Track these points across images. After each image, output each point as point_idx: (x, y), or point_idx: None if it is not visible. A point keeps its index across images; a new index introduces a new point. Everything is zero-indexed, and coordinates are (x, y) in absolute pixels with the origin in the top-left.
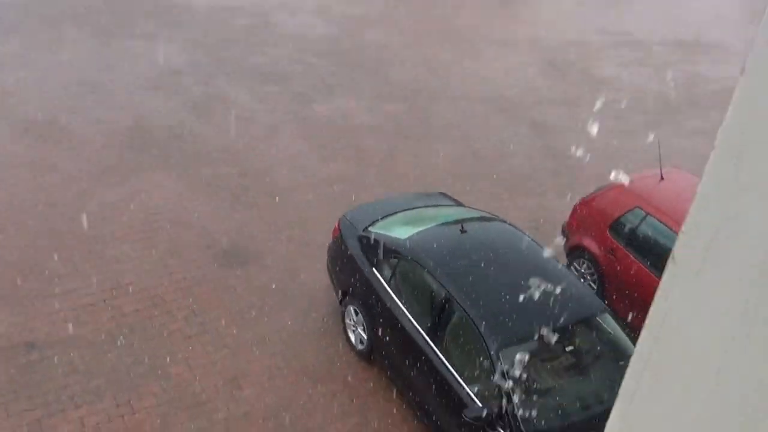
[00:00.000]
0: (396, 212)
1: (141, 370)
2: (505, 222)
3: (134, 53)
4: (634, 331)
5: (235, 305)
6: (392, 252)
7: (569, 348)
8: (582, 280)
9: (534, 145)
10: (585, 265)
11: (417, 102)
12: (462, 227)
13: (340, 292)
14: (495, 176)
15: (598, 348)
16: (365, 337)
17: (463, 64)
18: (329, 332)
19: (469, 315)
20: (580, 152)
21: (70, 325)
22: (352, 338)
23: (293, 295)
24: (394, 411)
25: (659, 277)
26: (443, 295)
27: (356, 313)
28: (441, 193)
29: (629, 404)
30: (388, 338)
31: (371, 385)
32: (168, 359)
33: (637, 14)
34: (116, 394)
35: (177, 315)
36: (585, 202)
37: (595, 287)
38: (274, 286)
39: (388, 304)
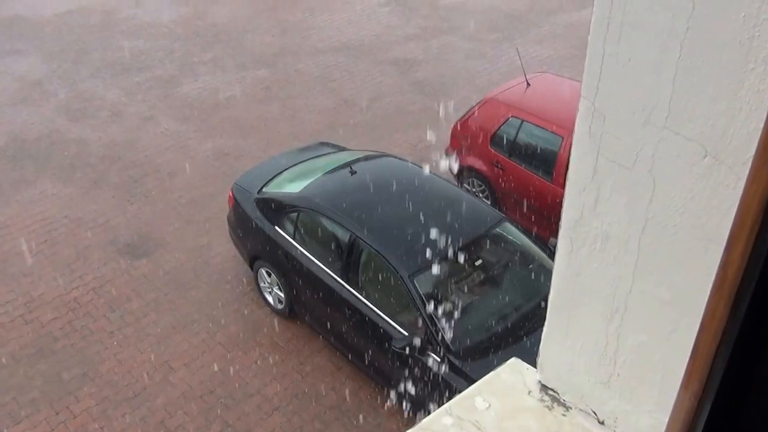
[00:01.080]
0: (284, 170)
1: (73, 375)
2: (391, 156)
3: None
4: (534, 235)
5: (149, 293)
6: (290, 207)
7: (479, 262)
8: (476, 196)
9: (401, 82)
10: (475, 183)
11: (280, 65)
12: (351, 169)
13: (248, 257)
14: (370, 117)
15: (507, 256)
16: (282, 295)
17: (315, 20)
18: (246, 299)
19: (376, 250)
20: (444, 79)
21: None
22: (270, 299)
23: (204, 271)
24: (328, 360)
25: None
26: (348, 237)
27: (269, 275)
28: (322, 143)
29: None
30: (304, 291)
31: (299, 341)
32: (96, 358)
33: None
34: (53, 403)
35: (95, 314)
36: (462, 123)
37: (489, 201)
38: (183, 267)
39: (298, 258)
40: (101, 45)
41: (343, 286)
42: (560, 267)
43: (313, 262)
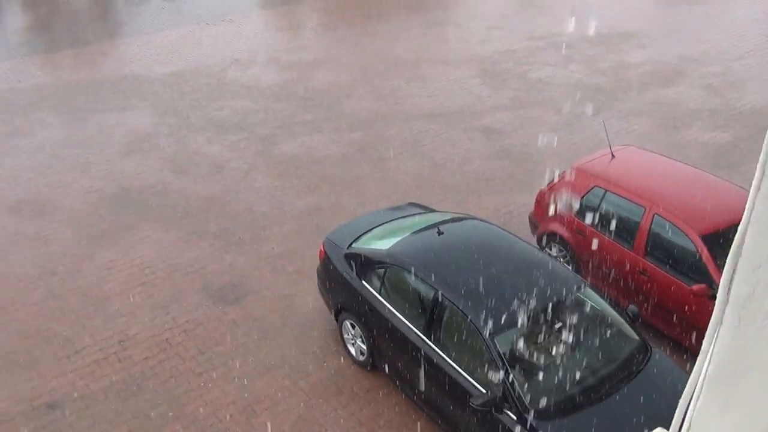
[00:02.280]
0: (373, 227)
1: (160, 412)
2: (476, 218)
3: (107, 125)
4: (613, 301)
5: (238, 338)
6: (378, 263)
7: (558, 325)
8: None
9: (489, 149)
10: (557, 248)
11: (373, 128)
12: (438, 229)
13: (334, 309)
14: (458, 181)
15: (586, 321)
16: (364, 347)
17: (409, 88)
18: (330, 349)
19: (459, 308)
20: (530, 148)
21: (87, 381)
22: (352, 351)
23: (291, 320)
24: (404, 413)
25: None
26: (432, 294)
27: (353, 327)
28: (411, 203)
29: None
30: (386, 344)
31: (378, 392)
32: (184, 398)
33: (557, 17)
34: None
35: (185, 356)
36: (546, 191)
37: (570, 266)
38: (271, 316)
39: (382, 312)
40: (207, 104)
41: (424, 341)
42: (724, 341)
43: (397, 316)
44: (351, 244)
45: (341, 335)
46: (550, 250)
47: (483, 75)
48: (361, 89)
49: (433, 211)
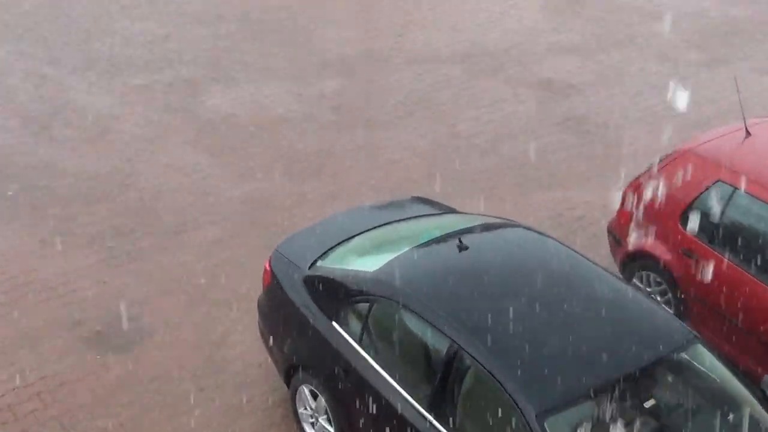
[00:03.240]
0: (352, 236)
1: None
2: (523, 227)
3: None
4: (739, 368)
5: (125, 409)
6: (358, 294)
7: (650, 403)
8: (651, 298)
9: (545, 115)
10: (651, 278)
11: (359, 75)
12: (460, 242)
13: (284, 367)
14: (492, 164)
15: (695, 397)
16: (332, 431)
17: (422, 11)
18: (275, 430)
19: (490, 372)
20: (612, 116)
21: None
22: None
23: (212, 381)
24: None
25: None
26: (446, 347)
27: (314, 396)
28: (416, 198)
29: None
30: (369, 427)
31: None
32: None
33: None
34: None
35: None
36: (636, 186)
37: (672, 308)
38: (181, 374)
39: (363, 374)
40: (90, 26)
41: (431, 423)
42: None
43: (387, 382)
44: (315, 261)
45: (294, 410)
46: (641, 281)
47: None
48: (344, 10)
49: (451, 211)
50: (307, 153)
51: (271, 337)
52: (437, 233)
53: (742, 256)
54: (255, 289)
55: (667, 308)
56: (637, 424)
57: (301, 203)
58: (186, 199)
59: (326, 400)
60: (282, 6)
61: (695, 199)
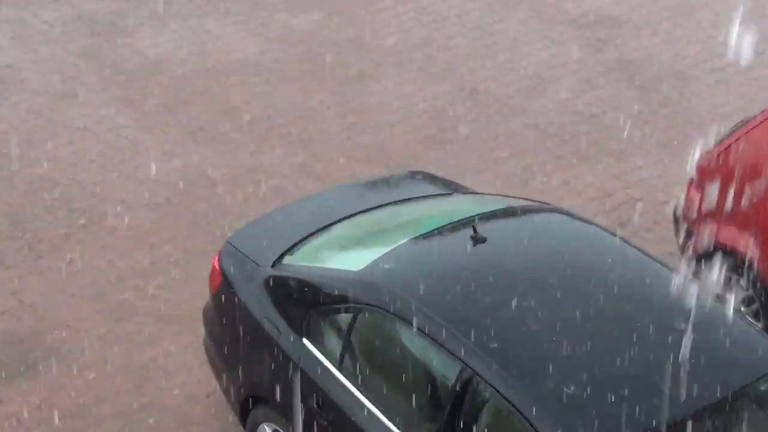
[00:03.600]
0: (332, 223)
1: None
2: (559, 211)
3: None
4: None
5: None
6: (338, 301)
7: None
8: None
9: (587, 63)
10: (736, 281)
11: (343, 6)
12: (475, 232)
13: (240, 399)
14: (517, 128)
15: None
16: None
17: None
18: None
19: (516, 407)
20: (676, 64)
21: None
22: None
23: (145, 422)
24: None
25: None
26: (457, 373)
27: None
28: (416, 174)
29: None
30: None
31: None
32: None
33: None
34: None
35: None
36: (714, 159)
37: (760, 323)
38: (102, 410)
39: (345, 410)
40: None
41: None
42: None
43: (377, 420)
44: (281, 257)
45: None
46: (721, 285)
47: None
48: None
49: (464, 191)
50: (270, 113)
51: (222, 360)
52: (444, 220)
53: None
54: (200, 295)
55: (755, 322)
56: None
57: (262, 180)
58: (107, 176)
59: None
60: None
61: None
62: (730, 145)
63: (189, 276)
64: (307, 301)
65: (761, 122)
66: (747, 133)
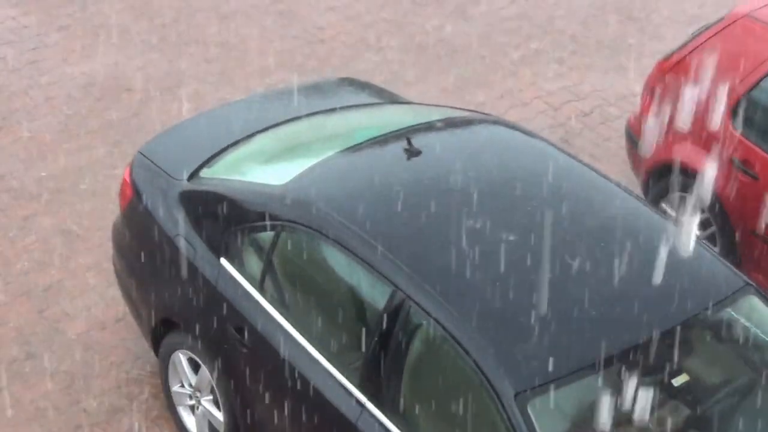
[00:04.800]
0: (253, 133)
1: None
2: (501, 123)
3: None
4: None
5: None
6: (259, 218)
7: (681, 380)
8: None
9: None
10: (686, 202)
11: None
12: (409, 144)
13: (152, 324)
14: (467, 32)
15: (746, 368)
16: (221, 418)
17: None
18: (142, 419)
19: (450, 333)
20: None
21: None
22: (191, 426)
23: (47, 348)
24: None
25: None
26: (388, 297)
27: (194, 368)
28: (346, 80)
29: None
30: (273, 411)
31: None
32: None
33: None
34: None
35: None
36: (669, 67)
37: (717, 245)
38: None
39: (265, 336)
40: None
41: (363, 407)
42: None
43: (301, 347)
44: (198, 170)
45: (167, 388)
46: (672, 205)
47: None
48: None
49: (400, 101)
50: (186, 10)
51: (132, 281)
52: (376, 132)
53: None
54: (106, 212)
55: (709, 246)
56: (663, 410)
57: (176, 86)
58: (5, 81)
59: (211, 373)
60: None
61: (755, 85)
62: (688, 54)
63: (100, 194)
64: (225, 218)
65: (723, 29)
66: (707, 40)
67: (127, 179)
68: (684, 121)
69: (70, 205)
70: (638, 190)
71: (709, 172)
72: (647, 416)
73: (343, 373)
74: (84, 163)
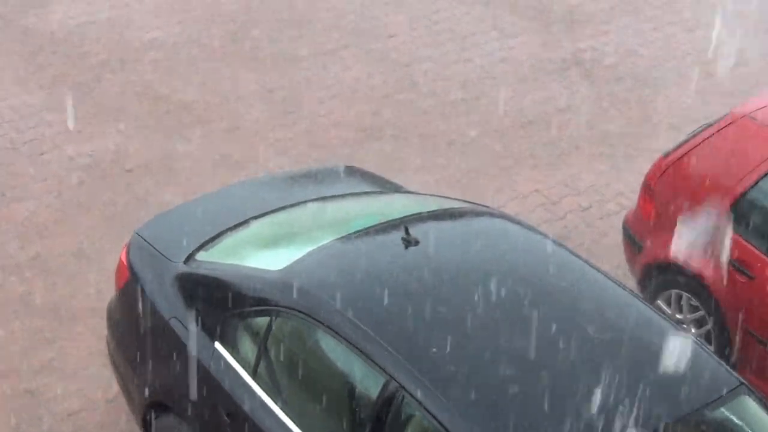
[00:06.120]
0: (252, 218)
1: None
2: (500, 216)
3: None
4: None
5: None
6: (255, 303)
7: None
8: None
9: (541, 56)
10: (684, 300)
11: None
12: (407, 234)
13: (143, 406)
14: (463, 128)
15: None
16: None
17: None
18: None
19: (444, 426)
20: (639, 59)
21: None
22: None
23: (35, 426)
24: None
25: None
26: (382, 386)
27: None
28: (347, 169)
29: None
30: None
31: None
32: None
33: None
34: None
35: None
36: (670, 165)
37: (712, 345)
38: None
39: (258, 422)
40: None
41: None
42: None
43: None
44: (194, 253)
45: None
46: (668, 303)
47: None
48: None
49: (400, 190)
50: (189, 97)
51: (125, 362)
52: (374, 220)
53: None
54: (102, 292)
55: (704, 344)
56: None
57: (176, 168)
58: (6, 157)
59: None
60: None
61: (753, 185)
62: (687, 152)
63: (98, 272)
64: (220, 302)
65: (722, 128)
66: (706, 139)
67: (124, 260)
68: (681, 219)
69: (65, 284)
70: (634, 286)
71: (704, 269)
72: None
73: None
74: (81, 243)
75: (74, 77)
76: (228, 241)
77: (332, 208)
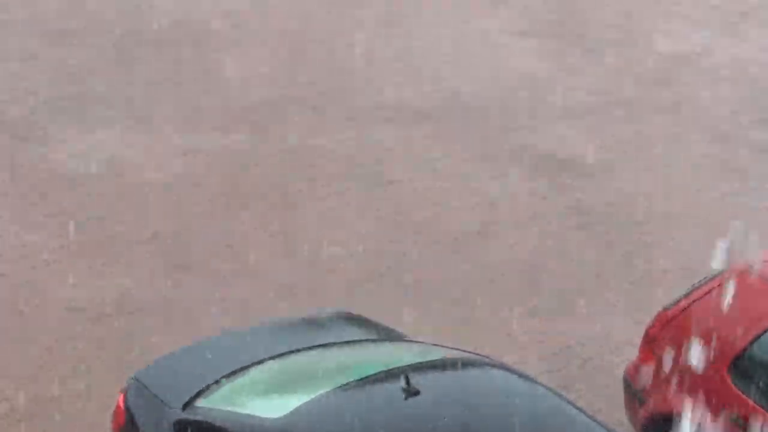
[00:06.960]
0: (250, 364)
1: None
2: (501, 367)
3: None
4: None
5: None
6: None
7: None
8: None
9: (541, 206)
10: None
11: (278, 129)
12: (407, 383)
13: None
14: (461, 276)
15: None
16: None
17: (373, 42)
18: None
19: None
20: (639, 210)
21: None
22: None
23: None
24: None
25: None
26: None
27: None
28: (344, 315)
29: None
30: None
31: None
32: None
33: None
34: None
35: None
36: (671, 319)
37: None
38: None
39: None
40: None
41: None
42: None
43: None
44: (194, 399)
45: None
46: None
47: (542, 32)
48: (256, 30)
49: (396, 337)
50: (193, 238)
51: None
52: (374, 369)
53: None
54: None
55: None
56: None
57: (178, 313)
58: (11, 299)
59: None
60: (177, 20)
61: (754, 341)
62: (688, 306)
63: (88, 413)
64: None
65: (723, 282)
66: (707, 293)
67: (121, 404)
68: (682, 373)
69: (61, 428)
70: None
71: (708, 425)
72: None
73: None
74: (76, 387)
75: (77, 215)
76: (227, 387)
77: (332, 356)
